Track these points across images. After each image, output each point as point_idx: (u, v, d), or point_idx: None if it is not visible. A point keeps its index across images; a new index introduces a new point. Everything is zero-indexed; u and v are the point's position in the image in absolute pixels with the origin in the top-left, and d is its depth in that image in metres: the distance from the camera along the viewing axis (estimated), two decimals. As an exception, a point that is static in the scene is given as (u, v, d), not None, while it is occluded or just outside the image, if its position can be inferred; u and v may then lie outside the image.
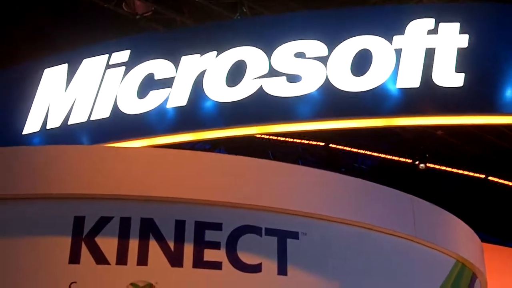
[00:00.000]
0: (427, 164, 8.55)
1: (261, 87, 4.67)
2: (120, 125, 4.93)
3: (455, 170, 8.92)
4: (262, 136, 7.25)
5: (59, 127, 5.06)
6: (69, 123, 5.04)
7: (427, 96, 4.56)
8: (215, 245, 2.72)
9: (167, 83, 4.87)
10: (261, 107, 4.70)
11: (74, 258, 2.62)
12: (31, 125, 5.17)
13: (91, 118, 4.99)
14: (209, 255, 2.70)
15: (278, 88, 4.68)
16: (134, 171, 2.79)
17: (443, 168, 8.91)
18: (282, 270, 2.76)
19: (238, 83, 4.73)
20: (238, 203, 2.80)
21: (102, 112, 4.97)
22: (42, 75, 5.28)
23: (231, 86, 4.74)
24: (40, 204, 2.73)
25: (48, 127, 5.10)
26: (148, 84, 4.91)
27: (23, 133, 5.17)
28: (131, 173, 2.78)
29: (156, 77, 4.91)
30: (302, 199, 2.91)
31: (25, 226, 2.69)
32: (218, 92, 4.77)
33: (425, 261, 3.21)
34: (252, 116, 4.78)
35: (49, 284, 2.59)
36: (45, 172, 2.77)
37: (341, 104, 4.65)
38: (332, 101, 4.66)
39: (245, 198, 2.81)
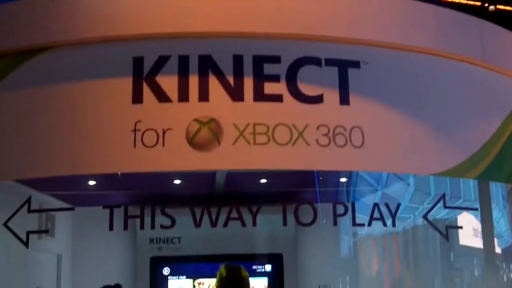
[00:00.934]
0: (497, 6, 8.15)
1: None
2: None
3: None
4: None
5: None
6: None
7: None
8: (275, 78, 2.70)
9: None
10: None
11: (137, 97, 2.67)
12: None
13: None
14: (269, 88, 2.69)
15: None
16: (188, 7, 2.73)
17: (514, 9, 8.43)
18: (344, 99, 2.73)
19: None
20: (295, 34, 2.73)
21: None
22: None
23: None
24: (99, 47, 2.75)
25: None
26: None
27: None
28: (186, 10, 2.73)
29: None
30: (362, 27, 2.80)
31: (87, 70, 2.74)
32: None
33: (494, 87, 3.09)
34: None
35: (115, 124, 2.67)
36: (102, 14, 2.76)
37: None
38: None
39: (302, 29, 2.73)
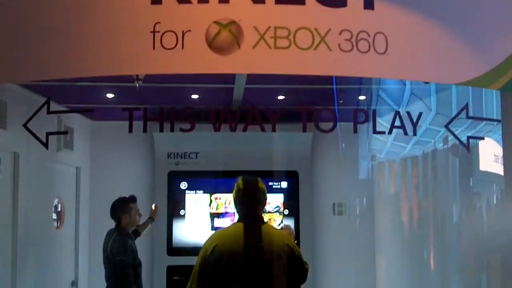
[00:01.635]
0: None
1: None
2: None
3: None
4: None
5: None
6: None
7: None
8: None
9: None
10: None
11: (156, -2, 2.62)
12: None
13: None
14: (292, -11, 2.62)
15: None
16: None
17: None
18: (368, 3, 2.66)
19: None
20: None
21: None
22: None
23: None
24: None
25: None
26: None
27: None
28: None
29: None
30: None
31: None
32: None
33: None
34: None
35: (134, 25, 2.63)
36: None
37: None
38: None
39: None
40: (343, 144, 6.35)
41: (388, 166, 6.63)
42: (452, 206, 5.50)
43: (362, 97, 5.63)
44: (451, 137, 5.63)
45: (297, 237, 6.25)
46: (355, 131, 2.93)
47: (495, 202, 5.15)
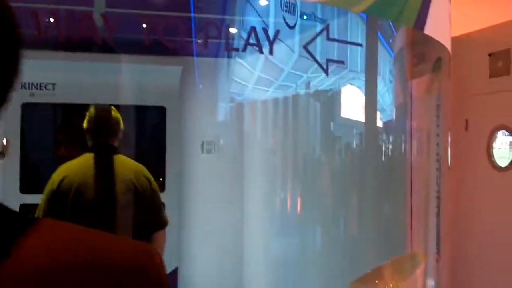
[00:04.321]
0: None
1: None
2: None
3: None
4: None
5: None
6: None
7: None
8: None
9: None
10: None
11: None
12: None
13: None
14: None
15: None
16: None
17: None
18: None
19: None
20: None
21: None
22: None
23: None
24: None
25: None
26: None
27: None
28: None
29: None
30: None
31: None
32: None
33: None
34: None
35: None
36: None
37: None
38: None
39: None
40: (210, 81, 6.28)
41: (251, 108, 6.68)
42: (313, 149, 5.66)
43: (233, 30, 5.54)
44: (313, 82, 5.77)
45: (163, 175, 6.15)
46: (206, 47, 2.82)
47: (354, 146, 5.37)
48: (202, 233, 6.67)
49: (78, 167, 3.34)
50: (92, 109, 3.47)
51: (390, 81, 5.14)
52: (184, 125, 6.65)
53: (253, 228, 6.68)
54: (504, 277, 5.58)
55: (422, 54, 4.47)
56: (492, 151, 5.83)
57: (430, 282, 4.32)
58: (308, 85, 5.70)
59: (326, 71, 3.27)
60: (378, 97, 4.78)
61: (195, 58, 3.12)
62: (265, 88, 6.18)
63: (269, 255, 6.34)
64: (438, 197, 4.46)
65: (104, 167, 3.30)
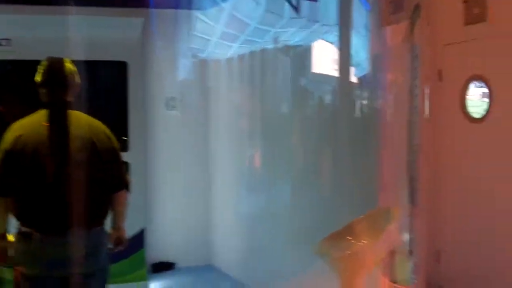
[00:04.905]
0: None
1: None
2: None
3: None
4: None
5: None
6: None
7: None
8: None
9: None
10: None
11: None
12: None
13: None
14: None
15: None
16: None
17: None
18: None
19: None
20: None
21: None
22: None
23: None
24: None
25: None
26: None
27: None
28: None
29: None
30: None
31: None
32: None
33: None
34: None
35: None
36: None
37: None
38: None
39: None
40: (171, 35, 6.06)
41: (216, 63, 6.45)
42: (282, 105, 5.50)
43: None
44: (283, 37, 5.57)
45: (126, 134, 5.92)
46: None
47: (326, 101, 5.21)
48: (169, 192, 6.50)
49: (31, 124, 3.11)
50: (44, 62, 3.22)
51: (365, 35, 4.95)
52: (147, 81, 6.39)
53: (221, 186, 6.53)
54: (479, 226, 5.54)
55: (399, 1, 4.27)
56: (467, 102, 5.70)
57: (405, 236, 4.24)
58: (276, 40, 5.52)
59: (295, 8, 3.06)
60: (352, 52, 4.61)
61: (153, 10, 2.90)
62: (229, 43, 5.97)
63: (237, 212, 6.22)
64: (415, 150, 4.33)
65: (58, 123, 3.07)
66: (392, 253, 4.11)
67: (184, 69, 6.46)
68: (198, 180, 6.58)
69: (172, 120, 6.53)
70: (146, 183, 6.20)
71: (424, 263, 4.39)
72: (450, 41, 5.91)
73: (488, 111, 5.64)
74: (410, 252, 4.32)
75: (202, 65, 6.52)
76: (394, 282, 4.19)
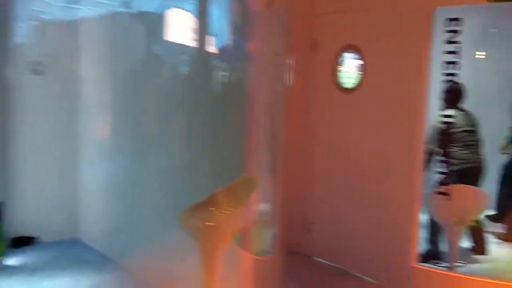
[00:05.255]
0: None
1: None
2: None
3: None
4: None
5: None
6: None
7: None
8: None
9: None
10: None
11: None
12: None
13: None
14: None
15: None
16: None
17: None
18: None
19: None
20: None
21: None
22: None
23: None
24: None
25: None
26: None
27: None
28: None
29: None
30: None
31: None
32: None
33: None
34: None
35: None
36: None
37: None
38: None
39: None
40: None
41: (62, 26, 6.03)
42: (136, 70, 5.27)
43: None
44: (135, 3, 5.31)
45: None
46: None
47: (182, 71, 5.04)
48: (31, 163, 6.08)
49: None
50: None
51: (226, 3, 4.74)
52: (8, 44, 5.91)
53: (86, 157, 6.19)
54: (347, 196, 5.60)
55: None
56: (339, 73, 5.69)
57: (265, 206, 4.15)
58: (127, 4, 5.25)
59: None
60: (212, 21, 4.43)
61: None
62: (74, 6, 5.63)
63: (102, 184, 5.91)
64: (276, 120, 4.22)
65: None
66: (251, 223, 4.00)
67: (25, 32, 5.97)
68: (63, 150, 6.19)
69: (38, 83, 6.07)
70: (5, 153, 5.76)
71: (283, 233, 4.32)
72: (324, 11, 5.85)
73: (360, 82, 5.65)
74: (268, 222, 4.24)
75: (49, 27, 6.02)
76: (253, 253, 4.08)
